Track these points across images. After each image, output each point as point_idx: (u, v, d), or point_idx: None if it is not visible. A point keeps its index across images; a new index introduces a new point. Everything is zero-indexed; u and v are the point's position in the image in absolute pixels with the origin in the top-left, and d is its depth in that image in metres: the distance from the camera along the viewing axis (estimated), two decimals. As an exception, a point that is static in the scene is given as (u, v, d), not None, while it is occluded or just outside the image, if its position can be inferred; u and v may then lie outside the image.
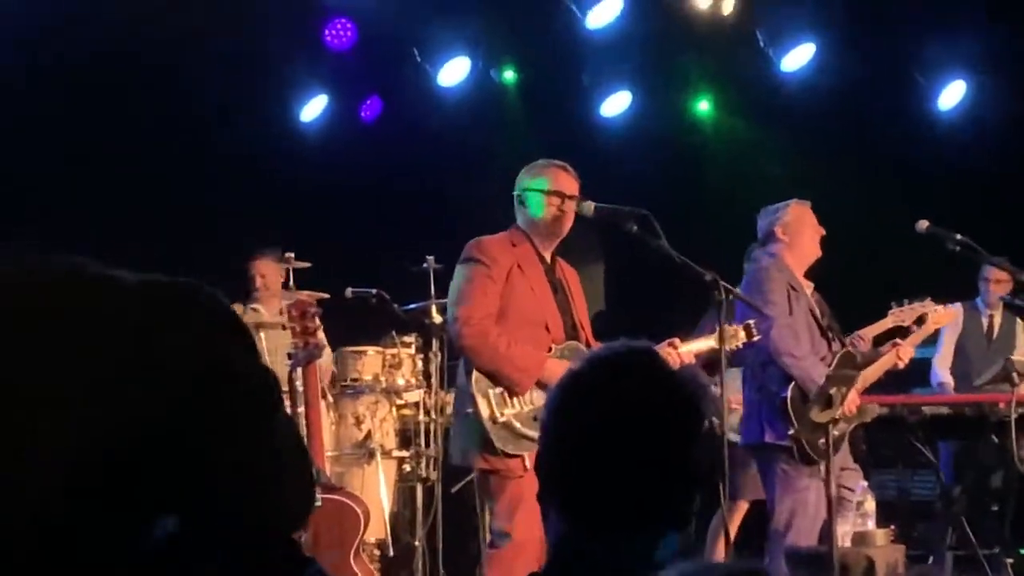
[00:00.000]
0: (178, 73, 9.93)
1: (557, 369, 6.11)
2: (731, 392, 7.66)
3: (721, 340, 6.59)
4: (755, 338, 6.95)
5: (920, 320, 8.58)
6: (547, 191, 6.54)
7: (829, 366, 7.66)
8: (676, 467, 2.49)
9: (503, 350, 6.21)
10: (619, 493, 2.45)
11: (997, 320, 10.20)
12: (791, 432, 7.48)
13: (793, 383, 7.51)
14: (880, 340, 8.43)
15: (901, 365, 8.28)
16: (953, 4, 10.81)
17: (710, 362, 8.48)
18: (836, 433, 7.65)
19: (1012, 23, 10.99)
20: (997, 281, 10.01)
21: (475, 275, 6.36)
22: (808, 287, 7.92)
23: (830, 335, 7.94)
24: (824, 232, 7.96)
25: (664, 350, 6.49)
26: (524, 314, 6.38)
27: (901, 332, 8.55)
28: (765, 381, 7.70)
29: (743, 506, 8.73)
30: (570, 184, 6.59)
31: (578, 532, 2.48)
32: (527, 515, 6.09)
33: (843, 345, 7.95)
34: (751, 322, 6.92)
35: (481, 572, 6.47)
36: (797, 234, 7.88)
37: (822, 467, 7.60)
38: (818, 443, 7.56)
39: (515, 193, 6.59)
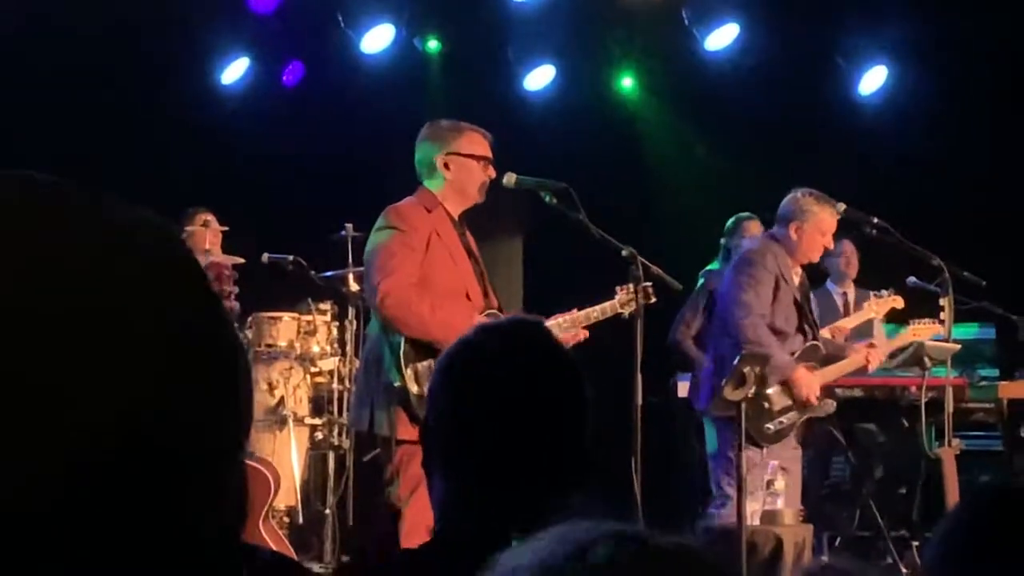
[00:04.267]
0: (98, 33, 9.82)
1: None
2: None
3: (637, 306, 6.62)
4: (652, 299, 6.95)
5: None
6: (476, 156, 6.50)
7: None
8: (565, 434, 2.55)
9: (428, 315, 6.16)
10: (507, 457, 2.51)
11: (851, 297, 10.20)
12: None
13: None
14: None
15: (870, 368, 8.40)
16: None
17: None
18: (785, 423, 7.77)
19: (933, 9, 11.07)
20: (847, 256, 10.04)
21: (394, 243, 6.27)
22: (797, 276, 8.03)
23: (807, 328, 8.03)
24: (832, 247, 8.08)
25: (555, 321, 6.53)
26: (446, 283, 6.32)
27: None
28: (721, 352, 7.80)
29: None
30: (490, 149, 6.57)
31: (463, 495, 2.54)
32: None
33: (816, 338, 8.05)
34: (647, 284, 6.90)
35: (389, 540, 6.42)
36: (809, 239, 7.97)
37: (764, 451, 7.71)
38: (763, 428, 7.67)
39: (437, 156, 6.51)
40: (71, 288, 0.98)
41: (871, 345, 8.39)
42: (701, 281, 9.59)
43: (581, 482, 2.60)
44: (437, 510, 2.61)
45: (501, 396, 2.53)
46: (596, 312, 6.76)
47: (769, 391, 7.77)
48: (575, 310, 6.71)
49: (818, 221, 8.00)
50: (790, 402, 7.86)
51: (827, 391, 8.19)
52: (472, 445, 2.53)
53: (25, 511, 0.95)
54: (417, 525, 6.01)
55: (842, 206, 8.06)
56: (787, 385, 7.84)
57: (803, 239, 7.98)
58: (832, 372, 8.17)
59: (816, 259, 8.16)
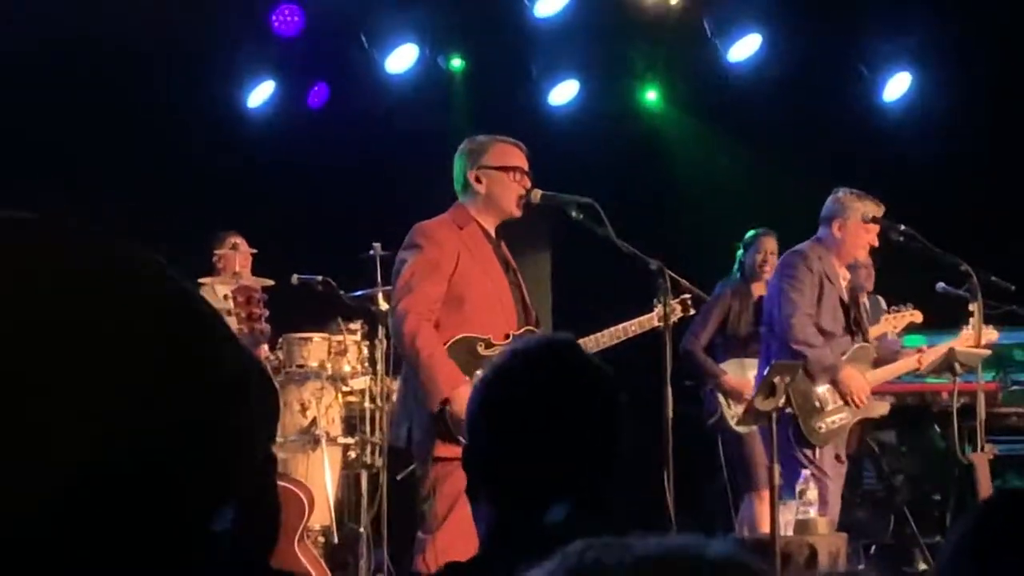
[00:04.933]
0: (123, 58, 9.88)
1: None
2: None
3: (666, 320, 6.60)
4: (691, 312, 6.99)
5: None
6: (508, 167, 6.49)
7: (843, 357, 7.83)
8: (600, 452, 2.56)
9: (424, 355, 6.10)
10: (547, 480, 2.51)
11: (867, 307, 10.18)
12: (788, 411, 7.57)
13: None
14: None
15: (921, 369, 8.43)
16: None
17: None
18: (837, 423, 7.76)
19: (956, 16, 11.06)
20: (868, 268, 10.02)
21: (419, 262, 6.24)
22: (844, 278, 8.02)
23: (855, 329, 8.03)
24: (876, 243, 8.07)
25: None
26: (480, 300, 6.26)
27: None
28: (771, 355, 7.80)
29: (765, 495, 8.87)
30: (524, 160, 6.56)
31: (509, 519, 2.54)
32: (466, 506, 6.05)
33: (865, 340, 8.05)
34: (687, 297, 6.92)
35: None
36: (853, 236, 7.96)
37: (815, 452, 7.69)
38: (815, 427, 7.66)
39: (469, 171, 6.52)
40: (62, 306, 1.03)
41: (920, 350, 8.39)
42: (716, 292, 9.59)
43: (616, 495, 2.61)
44: (483, 533, 2.62)
45: (534, 419, 2.54)
46: (634, 326, 6.77)
47: (819, 390, 7.76)
48: (618, 325, 6.72)
49: (861, 217, 8.00)
50: (842, 402, 7.85)
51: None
52: (511, 469, 2.54)
53: (25, 514, 1.00)
54: (455, 542, 6.02)
55: (870, 213, 8.04)
56: (836, 385, 7.83)
57: (847, 236, 7.96)
58: (882, 374, 8.16)
59: (862, 256, 8.14)
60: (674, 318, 6.86)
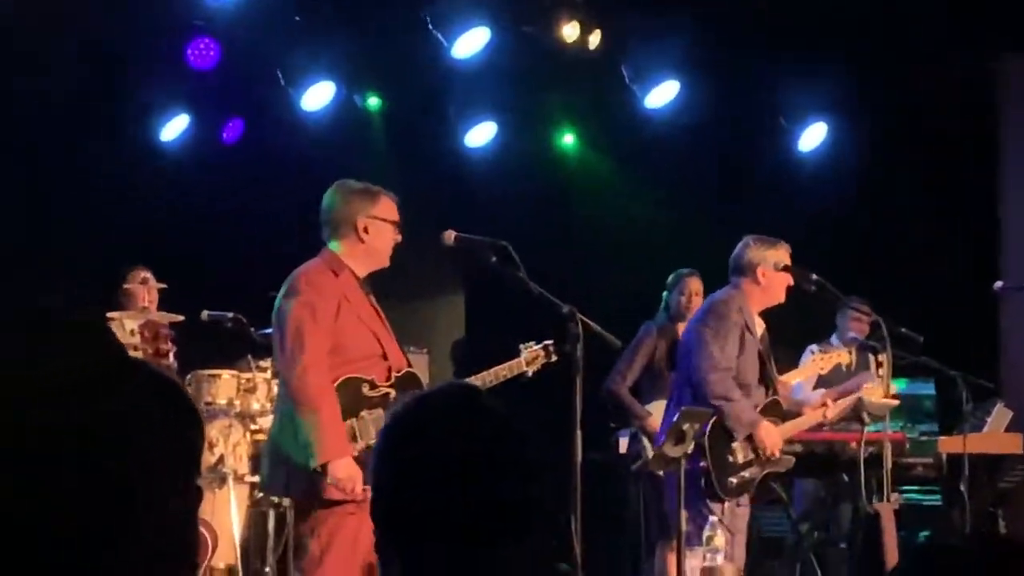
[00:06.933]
0: (38, 90, 9.77)
1: (349, 470, 6.03)
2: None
3: (575, 363, 6.59)
4: (553, 359, 6.95)
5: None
6: (392, 221, 6.47)
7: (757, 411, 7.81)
8: (508, 502, 2.52)
9: (322, 417, 6.07)
10: (456, 531, 2.46)
11: (853, 357, 10.29)
12: (703, 464, 7.57)
13: (714, 418, 7.60)
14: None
15: (826, 421, 8.41)
16: (814, 47, 10.98)
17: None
18: (747, 476, 7.76)
19: (870, 67, 11.17)
20: (858, 320, 10.08)
21: (305, 311, 6.20)
22: (760, 327, 8.01)
23: (768, 381, 8.02)
24: (792, 283, 8.06)
25: None
26: (360, 347, 6.26)
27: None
28: (684, 403, 7.76)
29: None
30: (397, 212, 6.55)
31: (419, 571, 2.49)
32: (341, 548, 6.05)
33: (775, 392, 8.04)
34: (549, 343, 6.91)
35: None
36: (779, 283, 7.96)
37: (723, 505, 7.67)
38: (727, 482, 7.65)
39: (359, 219, 6.47)
40: None
41: (824, 404, 8.39)
42: (642, 332, 9.59)
43: (524, 539, 2.58)
44: None
45: (441, 468, 2.49)
46: (504, 371, 6.76)
47: (733, 444, 7.76)
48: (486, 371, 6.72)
49: (778, 262, 8.03)
50: (753, 456, 7.84)
51: None
52: (419, 521, 2.50)
53: None
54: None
55: (782, 256, 8.08)
56: (750, 439, 7.82)
57: (772, 282, 7.97)
58: (791, 427, 8.16)
59: (783, 299, 8.13)
60: (537, 366, 6.87)
